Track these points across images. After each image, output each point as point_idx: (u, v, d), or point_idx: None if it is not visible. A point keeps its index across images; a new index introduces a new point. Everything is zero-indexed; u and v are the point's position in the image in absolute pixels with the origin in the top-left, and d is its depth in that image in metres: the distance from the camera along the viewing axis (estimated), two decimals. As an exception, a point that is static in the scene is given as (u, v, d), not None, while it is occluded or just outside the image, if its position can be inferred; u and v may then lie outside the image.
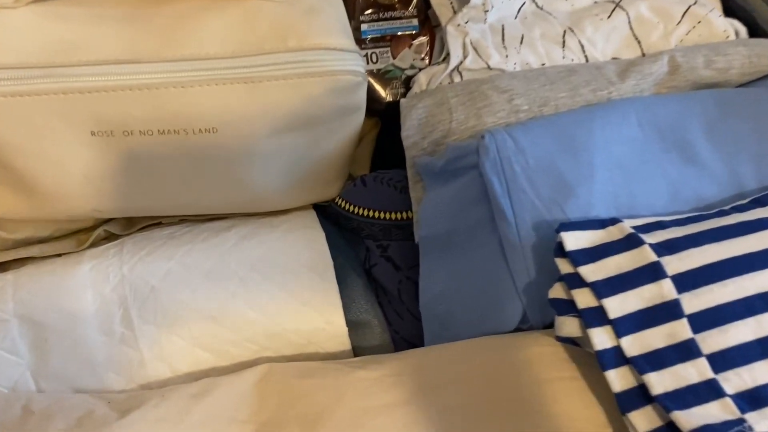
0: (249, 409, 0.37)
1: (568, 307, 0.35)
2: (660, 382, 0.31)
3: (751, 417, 0.30)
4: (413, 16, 0.50)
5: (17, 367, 0.39)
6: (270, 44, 0.38)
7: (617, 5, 0.49)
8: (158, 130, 0.38)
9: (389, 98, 0.49)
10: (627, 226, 0.36)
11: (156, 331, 0.40)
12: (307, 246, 0.43)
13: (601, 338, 0.33)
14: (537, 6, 0.50)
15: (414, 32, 0.50)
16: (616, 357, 0.33)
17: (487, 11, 0.47)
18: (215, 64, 0.37)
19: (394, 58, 0.50)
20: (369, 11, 0.50)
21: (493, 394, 0.35)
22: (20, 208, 0.42)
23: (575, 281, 0.35)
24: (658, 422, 0.31)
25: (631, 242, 0.35)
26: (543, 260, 0.38)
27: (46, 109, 0.37)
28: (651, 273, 0.33)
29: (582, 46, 0.47)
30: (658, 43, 0.48)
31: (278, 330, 0.41)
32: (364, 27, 0.49)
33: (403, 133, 0.44)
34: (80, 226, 0.46)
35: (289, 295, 0.41)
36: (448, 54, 0.47)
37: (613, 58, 0.48)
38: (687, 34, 0.48)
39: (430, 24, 0.50)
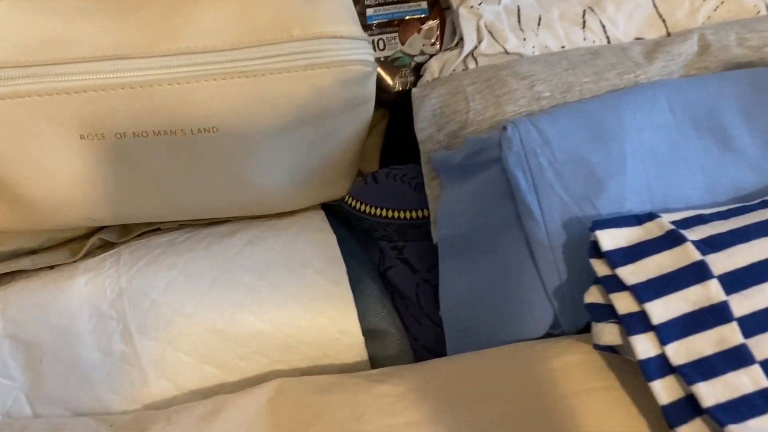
0: (262, 429, 0.34)
1: (606, 312, 0.32)
2: (711, 392, 0.29)
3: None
4: (421, -1, 0.47)
5: (10, 391, 0.37)
6: (272, 34, 0.35)
7: (639, -19, 0.46)
8: (153, 132, 0.35)
9: (398, 87, 0.46)
10: (666, 221, 0.34)
11: (158, 347, 0.38)
12: (317, 250, 0.40)
13: (645, 346, 0.31)
14: (553, -16, 0.47)
15: (423, 16, 0.47)
16: (661, 366, 0.30)
17: (501, -9, 0.44)
18: (213, 58, 0.34)
19: (402, 44, 0.47)
20: (374, -5, 0.47)
21: (526, 408, 0.33)
22: (7, 219, 0.39)
23: (613, 284, 0.32)
24: (710, 437, 0.29)
25: (672, 240, 0.33)
26: (574, 260, 0.36)
27: (30, 112, 0.34)
28: (696, 273, 0.31)
29: (603, 27, 0.45)
30: (685, 21, 0.45)
31: (290, 342, 0.39)
32: (369, 12, 0.46)
33: (417, 126, 0.41)
34: (73, 234, 0.43)
35: (301, 304, 0.39)
36: (460, 38, 0.44)
37: (637, 39, 0.45)
38: (715, 11, 0.45)
39: (439, 6, 0.47)
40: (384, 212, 0.43)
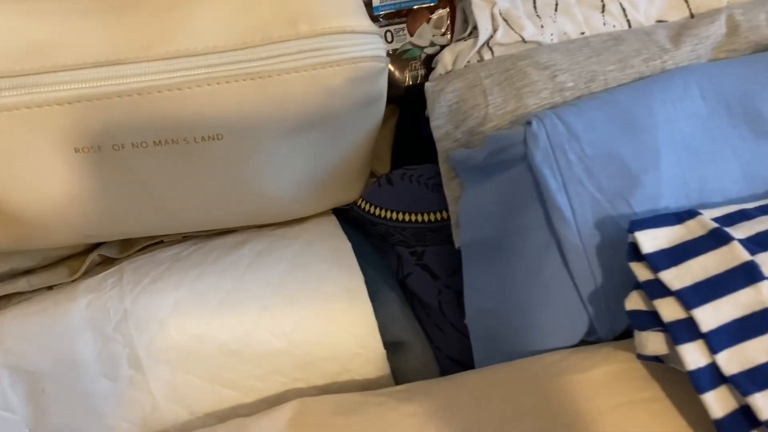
0: (283, 455, 0.32)
1: (649, 319, 0.30)
2: (768, 404, 0.27)
3: None
4: (429, -13, 0.44)
5: (12, 425, 0.35)
6: (278, 31, 0.32)
7: (659, -41, 0.43)
8: (154, 142, 0.32)
9: (409, 81, 0.44)
10: (708, 218, 0.31)
11: (168, 370, 0.35)
12: (332, 259, 0.38)
13: (694, 356, 0.29)
14: (569, -35, 0.44)
15: (432, 4, 0.44)
16: (712, 376, 0.28)
17: (514, -25, 0.42)
18: (215, 60, 0.32)
19: (411, 35, 0.44)
20: (379, -17, 0.44)
21: (564, 424, 0.31)
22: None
23: (657, 289, 0.30)
24: (770, 453, 0.26)
25: (716, 239, 0.31)
26: (610, 263, 0.34)
27: (19, 125, 0.31)
28: (746, 275, 0.29)
29: (624, 10, 0.42)
30: (709, 1, 0.42)
31: (308, 359, 0.37)
32: (375, 2, 0.43)
33: (433, 123, 0.39)
34: (71, 251, 0.41)
35: (318, 318, 0.37)
36: (474, 27, 0.41)
37: (658, 21, 0.42)
38: (741, -12, 0.43)
39: (449, -6, 0.44)
40: (400, 216, 0.40)
